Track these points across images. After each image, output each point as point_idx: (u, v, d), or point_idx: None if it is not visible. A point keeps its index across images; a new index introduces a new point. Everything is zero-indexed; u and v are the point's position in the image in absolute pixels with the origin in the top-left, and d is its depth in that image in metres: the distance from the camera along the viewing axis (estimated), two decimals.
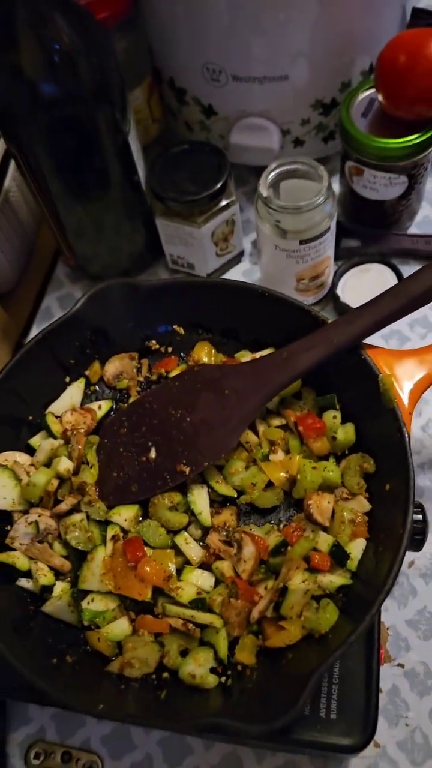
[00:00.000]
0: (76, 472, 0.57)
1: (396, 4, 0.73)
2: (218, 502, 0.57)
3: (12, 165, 0.78)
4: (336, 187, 0.80)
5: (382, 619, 0.59)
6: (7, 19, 0.57)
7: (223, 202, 0.71)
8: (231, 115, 0.75)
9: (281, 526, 0.56)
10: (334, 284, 0.75)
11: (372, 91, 0.72)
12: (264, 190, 0.64)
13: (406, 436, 0.51)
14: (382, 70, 0.67)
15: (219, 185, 0.69)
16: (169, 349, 0.65)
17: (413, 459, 0.51)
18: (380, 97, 0.69)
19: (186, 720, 0.46)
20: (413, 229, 0.80)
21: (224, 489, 0.56)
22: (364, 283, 0.75)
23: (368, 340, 0.55)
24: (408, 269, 0.76)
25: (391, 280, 0.74)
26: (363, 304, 0.55)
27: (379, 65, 0.67)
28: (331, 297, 0.75)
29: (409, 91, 0.66)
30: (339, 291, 0.74)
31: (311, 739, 0.50)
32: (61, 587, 0.54)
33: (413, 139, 0.68)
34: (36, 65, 0.59)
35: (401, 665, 0.57)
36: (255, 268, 0.80)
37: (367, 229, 0.78)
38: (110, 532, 0.54)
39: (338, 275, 0.75)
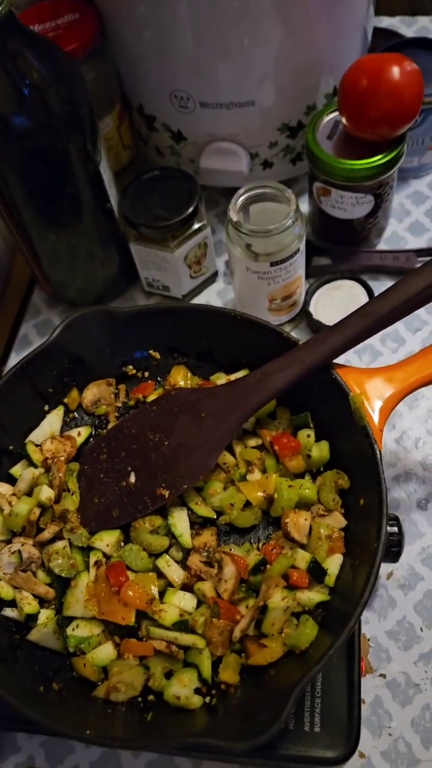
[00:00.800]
0: (58, 499, 0.58)
1: (358, 27, 0.76)
2: (198, 524, 0.58)
3: None
4: (305, 206, 0.82)
5: (362, 631, 0.60)
6: None
7: (195, 226, 0.73)
8: (200, 140, 0.77)
9: (260, 544, 0.57)
10: (307, 302, 0.76)
11: (336, 113, 0.74)
12: (234, 215, 0.65)
13: (378, 452, 0.53)
14: (345, 94, 0.69)
15: (190, 210, 0.70)
16: (146, 374, 0.66)
17: (388, 472, 0.53)
18: (344, 120, 0.71)
19: (172, 740, 0.47)
20: (382, 246, 0.82)
21: (204, 510, 0.57)
22: (336, 300, 0.77)
23: (342, 355, 0.57)
24: (378, 284, 0.78)
25: (362, 296, 0.76)
26: (333, 324, 0.56)
27: (342, 89, 0.69)
28: (304, 314, 0.76)
29: (371, 114, 0.68)
30: (311, 308, 0.76)
31: (296, 753, 0.51)
32: (45, 615, 0.54)
33: (378, 159, 0.70)
34: (7, 99, 0.60)
35: (383, 675, 0.59)
36: (229, 288, 0.81)
37: (336, 247, 0.80)
38: (93, 557, 0.55)
39: (310, 293, 0.77)
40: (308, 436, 0.58)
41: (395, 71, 0.66)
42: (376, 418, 0.55)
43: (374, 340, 0.75)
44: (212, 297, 0.81)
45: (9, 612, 0.54)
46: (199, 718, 0.49)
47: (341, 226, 0.77)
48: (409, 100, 0.66)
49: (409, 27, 1.00)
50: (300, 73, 0.73)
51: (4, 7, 0.56)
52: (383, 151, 0.70)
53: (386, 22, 1.01)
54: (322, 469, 0.58)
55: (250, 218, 0.69)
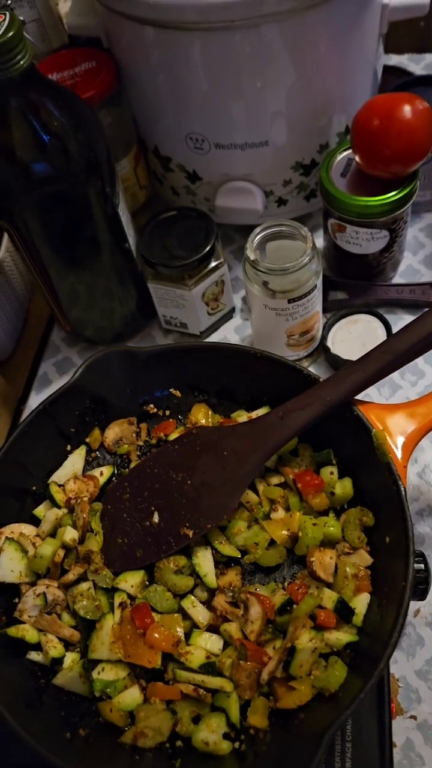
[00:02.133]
0: (82, 540, 0.58)
1: (368, 66, 0.77)
2: (222, 563, 0.58)
3: (5, 237, 0.80)
4: (319, 241, 0.83)
5: (391, 671, 0.59)
6: (0, 107, 0.60)
7: (212, 264, 0.74)
8: (215, 179, 0.78)
9: (286, 583, 0.56)
10: (324, 337, 0.77)
11: (349, 151, 0.75)
12: (251, 254, 0.66)
13: (402, 489, 0.53)
14: (357, 133, 0.71)
15: (207, 249, 0.71)
16: (167, 413, 0.66)
17: (412, 507, 0.52)
18: (357, 158, 0.72)
19: None
20: (397, 279, 0.82)
21: (228, 550, 0.57)
22: (353, 334, 0.77)
23: None
24: (395, 318, 0.79)
25: (379, 330, 0.76)
26: (353, 361, 0.56)
27: (355, 128, 0.71)
28: (322, 349, 0.77)
29: (384, 153, 0.69)
30: (329, 343, 0.76)
31: None
32: (71, 658, 0.54)
33: (391, 196, 0.70)
34: (28, 147, 0.62)
35: (413, 717, 0.57)
36: (246, 324, 0.82)
37: (352, 282, 0.81)
38: (117, 599, 0.55)
39: (327, 328, 0.77)
40: (331, 473, 0.58)
41: (407, 110, 0.67)
42: (399, 454, 0.55)
43: (394, 374, 0.75)
44: (230, 333, 0.81)
45: (34, 656, 0.54)
46: (228, 764, 0.48)
47: (357, 261, 0.78)
48: (422, 138, 0.67)
49: (417, 64, 1.02)
50: (312, 113, 0.74)
51: (26, 60, 0.58)
52: (397, 187, 0.71)
53: (395, 59, 1.03)
54: (346, 506, 0.58)
55: (267, 256, 0.70)
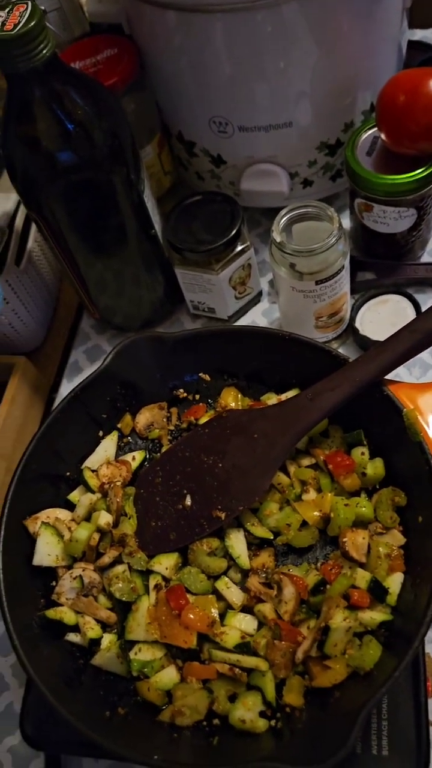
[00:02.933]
0: (116, 524, 0.59)
1: (392, 42, 0.76)
2: (255, 545, 0.58)
3: (33, 227, 0.81)
4: (346, 221, 0.82)
5: (426, 650, 0.59)
6: (24, 97, 0.60)
7: (239, 248, 0.73)
8: (240, 163, 0.78)
9: (319, 564, 0.57)
10: (353, 318, 0.76)
11: (374, 129, 0.74)
12: (277, 236, 0.66)
13: None
14: (382, 110, 0.69)
15: (233, 233, 0.71)
16: (197, 397, 0.67)
17: None
18: (383, 136, 0.71)
19: (239, 765, 0.46)
20: (426, 257, 0.81)
21: (260, 531, 0.57)
22: (382, 315, 0.76)
23: None
24: (424, 297, 0.78)
25: (408, 309, 0.75)
26: (383, 341, 0.56)
27: (380, 105, 0.70)
28: (351, 330, 0.76)
29: (410, 129, 0.68)
30: (358, 324, 0.76)
31: None
32: (108, 639, 0.55)
33: (419, 173, 0.69)
34: (52, 137, 0.62)
35: None
36: (274, 307, 0.82)
37: (380, 262, 0.80)
38: (152, 581, 0.56)
39: (356, 309, 0.76)
40: (362, 453, 0.58)
41: None
42: (431, 433, 0.54)
43: (425, 354, 0.74)
44: (257, 317, 0.81)
45: (73, 637, 0.55)
46: (265, 742, 0.49)
47: (384, 240, 0.77)
48: None
49: None
50: (336, 92, 0.73)
51: (49, 49, 0.58)
52: (424, 164, 0.70)
53: (419, 34, 1.00)
54: (377, 487, 0.58)
55: (294, 238, 0.69)
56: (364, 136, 0.74)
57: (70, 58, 0.77)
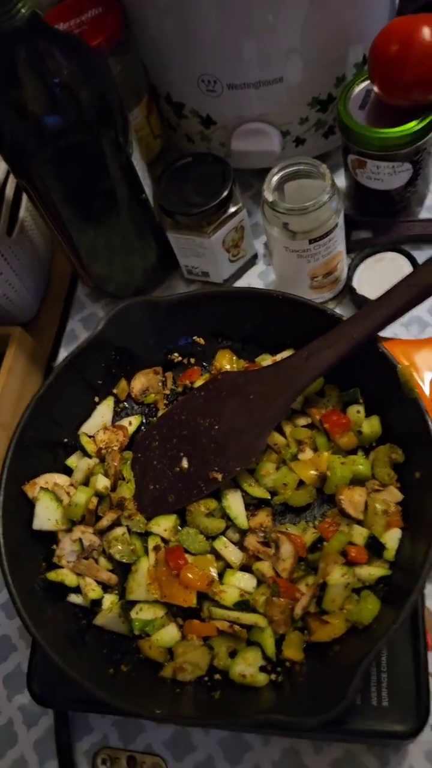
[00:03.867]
0: (114, 488, 0.59)
1: None
2: (253, 505, 0.58)
3: (24, 196, 0.81)
4: (341, 181, 0.81)
5: (426, 605, 0.60)
6: (7, 58, 0.59)
7: (231, 210, 0.72)
8: (230, 122, 0.76)
9: (316, 522, 0.57)
10: (349, 277, 0.75)
11: (367, 82, 0.72)
12: (269, 195, 0.65)
13: (430, 424, 0.52)
14: (375, 61, 0.68)
15: (225, 194, 0.70)
16: (192, 361, 0.67)
17: None
18: (376, 88, 0.69)
19: (241, 718, 0.47)
20: (424, 214, 0.80)
21: (257, 491, 0.58)
22: (379, 273, 0.75)
23: (389, 328, 0.56)
24: (421, 254, 0.77)
25: (406, 266, 0.74)
26: (378, 297, 0.55)
27: (372, 56, 0.68)
28: (348, 290, 0.75)
29: (404, 79, 0.66)
30: (355, 284, 0.75)
31: (365, 728, 0.51)
32: (110, 600, 0.56)
33: (413, 126, 0.68)
34: (39, 101, 0.61)
35: None
36: (269, 270, 0.81)
37: (376, 219, 0.79)
38: (151, 543, 0.56)
39: (352, 268, 0.76)
40: (358, 412, 0.58)
41: (427, 33, 0.64)
42: (426, 389, 0.54)
43: (422, 311, 0.74)
44: (253, 280, 0.80)
45: (74, 598, 0.56)
46: (266, 695, 0.50)
47: (379, 197, 0.76)
48: None
49: None
50: (327, 45, 0.71)
51: (28, 8, 0.56)
52: (418, 116, 0.68)
53: None
54: (374, 445, 0.58)
55: (286, 197, 0.68)
56: (357, 89, 0.72)
57: (55, 20, 0.76)
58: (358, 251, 0.77)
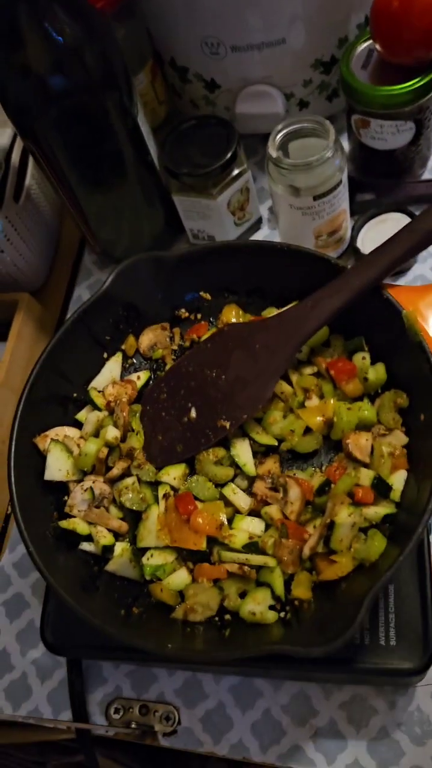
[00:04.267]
0: (123, 439, 0.60)
1: None
2: (261, 453, 0.59)
3: (31, 161, 0.81)
4: (345, 144, 0.81)
5: None
6: (10, 19, 0.60)
7: (235, 171, 0.73)
8: (234, 86, 0.77)
9: (323, 468, 0.58)
10: (353, 238, 0.76)
11: (369, 42, 0.73)
12: (273, 152, 0.66)
13: None
14: (377, 19, 0.68)
15: (229, 155, 0.71)
16: (199, 316, 0.67)
17: None
18: (378, 47, 0.70)
19: (250, 650, 0.48)
20: (427, 175, 0.80)
21: (265, 439, 0.58)
22: (383, 234, 0.74)
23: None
24: None
25: None
26: (381, 244, 0.56)
27: (374, 14, 0.68)
28: (352, 251, 0.76)
29: (405, 36, 0.66)
30: (359, 244, 0.75)
31: (374, 666, 0.52)
32: (121, 547, 0.56)
33: (416, 82, 0.68)
34: (43, 61, 0.62)
35: None
36: (274, 233, 0.81)
37: (380, 181, 0.79)
38: (161, 491, 0.57)
39: (356, 229, 0.76)
40: (363, 358, 0.58)
41: None
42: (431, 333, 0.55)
43: (425, 269, 0.74)
44: None
45: (86, 546, 0.57)
46: (275, 631, 0.51)
47: (383, 157, 0.76)
48: None
49: None
50: (330, 6, 0.72)
51: None
52: (421, 74, 0.68)
53: None
54: (379, 391, 0.59)
55: (290, 156, 0.69)
56: (359, 49, 0.73)
57: None
58: (363, 213, 0.77)
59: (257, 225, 0.81)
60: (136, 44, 0.79)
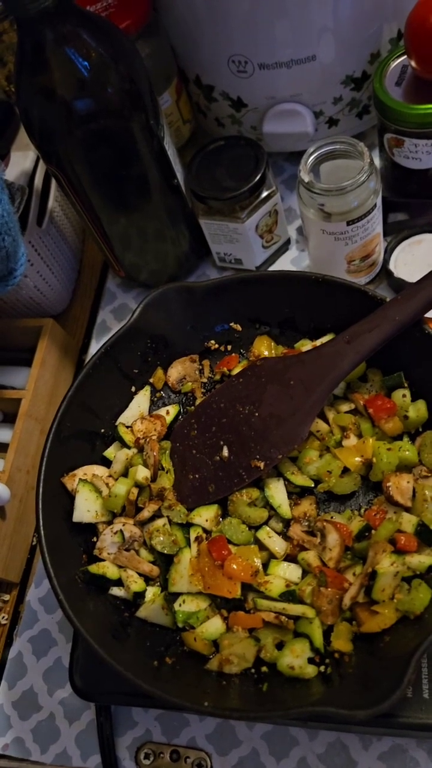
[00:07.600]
0: (154, 478, 0.58)
1: None
2: (296, 494, 0.57)
3: (54, 185, 0.80)
4: (376, 162, 0.78)
5: None
6: (36, 43, 0.58)
7: (264, 194, 0.71)
8: (261, 104, 0.75)
9: (362, 511, 0.55)
10: (386, 260, 0.73)
11: (403, 58, 0.70)
12: (305, 176, 0.63)
13: None
14: (412, 34, 0.65)
15: (257, 178, 0.69)
16: (229, 347, 0.65)
17: None
18: (413, 63, 0.67)
19: (291, 710, 0.46)
20: None
21: (300, 480, 0.56)
22: (417, 256, 0.73)
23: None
24: None
25: None
26: (421, 277, 0.54)
27: (409, 29, 0.66)
28: (384, 274, 0.73)
29: None
30: (392, 267, 0.73)
31: (417, 721, 0.50)
32: (152, 592, 0.55)
33: None
34: (68, 84, 0.60)
35: None
36: (303, 255, 0.79)
37: (413, 201, 0.76)
38: (193, 533, 0.55)
39: (389, 251, 0.74)
40: (404, 396, 0.56)
41: None
42: None
43: None
44: (286, 266, 0.79)
45: (117, 591, 0.55)
46: (315, 687, 0.48)
47: (417, 177, 0.73)
48: None
49: None
50: (361, 20, 0.69)
51: None
52: None
53: None
54: (420, 430, 0.56)
55: (321, 179, 0.66)
56: (393, 65, 0.70)
57: (82, 2, 0.75)
58: (395, 234, 0.75)
59: (285, 246, 0.79)
60: (160, 63, 0.77)
